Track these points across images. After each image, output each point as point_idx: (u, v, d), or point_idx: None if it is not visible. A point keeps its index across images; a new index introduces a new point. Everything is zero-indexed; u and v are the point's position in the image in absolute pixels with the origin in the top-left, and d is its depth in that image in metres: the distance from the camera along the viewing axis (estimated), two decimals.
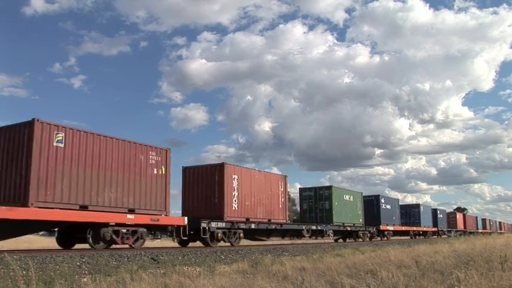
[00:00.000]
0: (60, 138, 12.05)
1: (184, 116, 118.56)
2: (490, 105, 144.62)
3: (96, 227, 12.66)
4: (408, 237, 35.31)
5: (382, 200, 31.33)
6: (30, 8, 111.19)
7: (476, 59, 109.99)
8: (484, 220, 68.26)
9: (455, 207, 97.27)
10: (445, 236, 42.76)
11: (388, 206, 32.19)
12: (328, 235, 24.38)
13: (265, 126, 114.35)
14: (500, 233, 65.58)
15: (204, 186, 17.97)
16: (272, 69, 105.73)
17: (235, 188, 18.17)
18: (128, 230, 13.74)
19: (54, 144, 11.86)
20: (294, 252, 15.39)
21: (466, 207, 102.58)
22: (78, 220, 12.16)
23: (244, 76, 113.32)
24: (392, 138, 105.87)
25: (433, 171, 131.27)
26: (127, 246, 13.81)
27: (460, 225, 51.26)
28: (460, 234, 44.89)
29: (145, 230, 14.41)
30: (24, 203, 11.05)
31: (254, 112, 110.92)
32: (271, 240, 21.10)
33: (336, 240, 26.92)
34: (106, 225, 12.85)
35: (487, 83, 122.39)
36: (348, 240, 27.67)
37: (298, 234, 22.26)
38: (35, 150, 11.37)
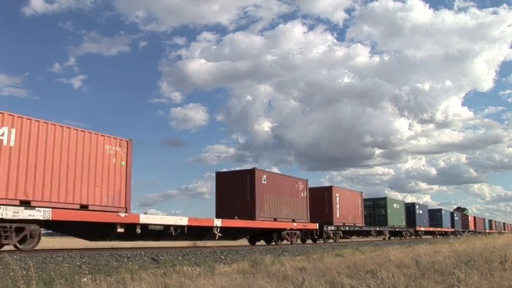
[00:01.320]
0: (265, 178, 20.52)
1: (184, 116, 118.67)
2: (490, 105, 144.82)
3: (278, 231, 21.15)
4: (431, 237, 42.83)
5: (417, 207, 39.72)
6: (29, 8, 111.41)
7: (476, 59, 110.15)
8: (490, 221, 76.57)
9: (455, 207, 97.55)
10: (459, 235, 48.75)
11: (421, 211, 40.47)
12: (385, 234, 33.42)
13: (265, 126, 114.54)
14: (502, 232, 71.36)
15: (319, 203, 25.81)
16: (272, 69, 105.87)
17: (338, 203, 26.91)
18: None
19: (262, 182, 20.18)
20: (294, 252, 15.38)
21: (466, 207, 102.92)
22: (271, 227, 20.64)
23: (244, 76, 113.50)
24: (392, 138, 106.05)
25: (433, 171, 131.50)
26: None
27: (472, 226, 59.19)
28: (472, 234, 52.59)
29: None
30: (252, 217, 19.24)
31: (254, 112, 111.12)
32: (351, 238, 30.48)
33: (389, 238, 34.54)
34: (284, 229, 21.38)
35: (487, 83, 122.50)
36: (393, 238, 35.27)
37: (368, 234, 31.38)
38: (256, 185, 19.69)
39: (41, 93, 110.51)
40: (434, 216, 44.88)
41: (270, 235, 20.95)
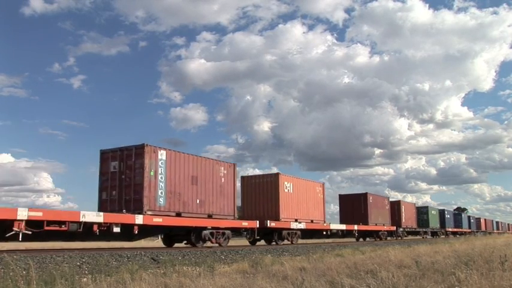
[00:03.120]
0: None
1: (184, 116, 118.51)
2: (490, 105, 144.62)
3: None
4: (456, 236, 50.02)
5: (446, 212, 50.61)
6: (29, 8, 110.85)
7: (476, 59, 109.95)
8: (497, 222, 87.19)
9: (455, 207, 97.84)
10: (474, 235, 55.45)
11: (448, 216, 51.30)
12: (428, 234, 43.84)
13: (265, 126, 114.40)
14: (507, 232, 78.56)
15: (392, 211, 36.00)
16: (271, 69, 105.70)
17: (403, 212, 37.61)
18: None
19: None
20: (294, 252, 15.38)
21: (466, 207, 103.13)
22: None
23: (243, 76, 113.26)
24: (392, 138, 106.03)
25: (433, 171, 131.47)
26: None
27: (483, 227, 69.56)
28: (483, 234, 59.51)
29: None
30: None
31: (253, 112, 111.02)
32: (408, 236, 39.08)
33: (432, 237, 44.15)
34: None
35: (486, 83, 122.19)
36: (428, 237, 43.42)
37: (418, 233, 41.92)
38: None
39: (40, 93, 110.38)
40: (456, 219, 55.48)
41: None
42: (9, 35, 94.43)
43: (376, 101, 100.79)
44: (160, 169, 15.34)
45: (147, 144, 15.00)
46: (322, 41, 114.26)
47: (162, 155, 15.54)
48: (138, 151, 15.07)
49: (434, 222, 45.39)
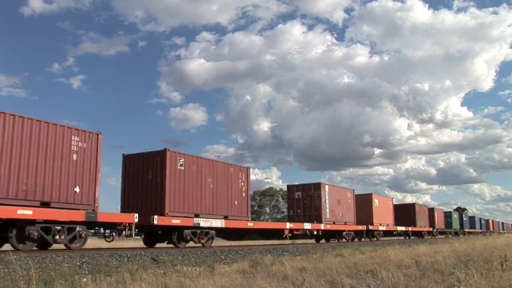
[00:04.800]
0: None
1: (184, 116, 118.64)
2: (490, 105, 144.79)
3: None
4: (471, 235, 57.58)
5: (464, 215, 63.27)
6: (28, 8, 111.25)
7: (475, 59, 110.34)
8: (503, 223, 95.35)
9: (455, 207, 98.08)
10: (485, 235, 62.63)
11: (465, 219, 62.03)
12: (452, 234, 51.31)
13: (264, 126, 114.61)
14: (510, 232, 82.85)
15: (425, 216, 44.52)
16: (271, 69, 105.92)
17: (436, 216, 47.14)
18: None
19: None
20: (294, 252, 15.39)
21: (466, 207, 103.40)
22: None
23: (243, 76, 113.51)
24: (392, 138, 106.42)
25: (433, 171, 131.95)
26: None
27: (491, 227, 77.93)
28: (491, 233, 65.66)
29: None
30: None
31: (253, 112, 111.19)
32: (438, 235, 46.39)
33: (454, 236, 49.70)
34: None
35: (486, 83, 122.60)
36: (451, 236, 49.79)
37: (445, 233, 50.15)
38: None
39: (40, 93, 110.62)
40: (471, 221, 64.61)
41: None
42: (9, 35, 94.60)
43: (375, 101, 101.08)
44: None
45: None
46: (322, 41, 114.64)
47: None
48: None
49: (455, 224, 54.98)
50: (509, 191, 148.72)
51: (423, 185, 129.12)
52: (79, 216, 12.67)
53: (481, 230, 65.25)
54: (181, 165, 16.25)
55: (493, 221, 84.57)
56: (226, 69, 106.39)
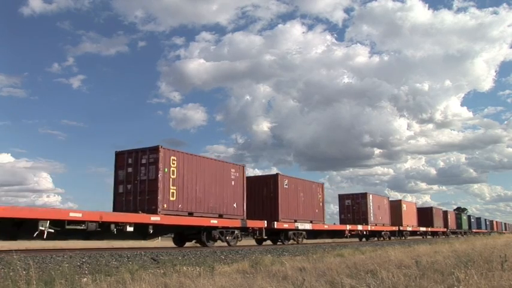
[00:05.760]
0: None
1: (183, 116, 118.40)
2: (490, 105, 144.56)
3: None
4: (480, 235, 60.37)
5: (471, 217, 67.44)
6: (28, 8, 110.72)
7: (475, 59, 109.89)
8: (505, 224, 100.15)
9: (455, 207, 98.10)
10: (489, 234, 65.39)
11: (473, 220, 66.60)
12: (462, 233, 55.77)
13: (264, 126, 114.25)
14: (501, 233, 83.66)
15: (441, 217, 50.12)
16: (271, 69, 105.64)
17: (449, 218, 52.34)
18: None
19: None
20: (294, 252, 15.38)
21: (466, 207, 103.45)
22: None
23: (242, 76, 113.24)
24: (391, 138, 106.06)
25: (433, 171, 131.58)
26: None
27: (495, 228, 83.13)
28: (496, 233, 71.30)
29: None
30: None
31: (253, 112, 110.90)
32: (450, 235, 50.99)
33: (463, 235, 52.32)
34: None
35: (486, 83, 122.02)
36: (460, 235, 52.76)
37: (456, 233, 53.84)
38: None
39: (40, 93, 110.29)
40: (478, 222, 69.52)
41: None
42: (8, 35, 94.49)
43: (375, 101, 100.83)
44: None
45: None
46: (322, 41, 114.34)
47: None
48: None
49: (465, 225, 60.36)
50: (509, 191, 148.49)
51: (423, 185, 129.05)
52: (237, 223, 18.60)
53: (486, 230, 70.75)
54: (286, 184, 22.54)
55: (496, 221, 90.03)
56: (226, 69, 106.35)
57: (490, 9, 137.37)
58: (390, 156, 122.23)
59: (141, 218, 14.37)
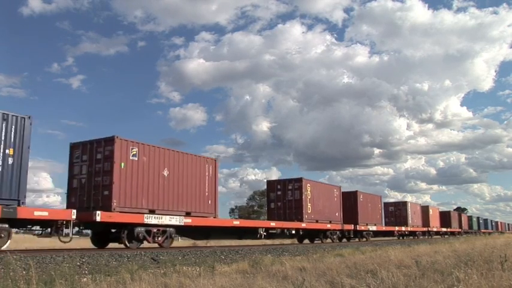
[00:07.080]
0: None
1: (183, 116, 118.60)
2: (489, 105, 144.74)
3: None
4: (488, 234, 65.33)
5: (480, 218, 73.12)
6: (27, 8, 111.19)
7: (475, 59, 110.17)
8: (508, 224, 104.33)
9: (455, 207, 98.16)
10: (496, 234, 72.18)
11: (481, 221, 72.61)
12: (473, 233, 59.45)
13: (264, 126, 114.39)
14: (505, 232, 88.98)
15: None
16: (270, 69, 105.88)
17: (463, 221, 61.41)
18: None
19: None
20: (294, 252, 15.38)
21: (466, 207, 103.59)
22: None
23: (242, 76, 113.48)
24: (391, 138, 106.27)
25: (433, 171, 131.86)
26: None
27: (500, 228, 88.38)
28: (499, 233, 77.34)
29: None
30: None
31: (252, 112, 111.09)
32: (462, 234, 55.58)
33: (474, 235, 55.62)
34: None
35: (486, 83, 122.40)
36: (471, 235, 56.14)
37: (468, 233, 58.35)
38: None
39: (40, 93, 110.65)
40: (486, 223, 76.22)
41: None
42: (8, 35, 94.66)
43: (375, 100, 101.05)
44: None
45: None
46: (321, 41, 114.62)
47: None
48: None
49: (475, 226, 66.94)
50: (509, 191, 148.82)
51: (423, 185, 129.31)
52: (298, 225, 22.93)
53: (492, 230, 77.58)
54: (361, 198, 29.72)
55: (501, 222, 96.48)
56: (225, 69, 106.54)
57: (490, 9, 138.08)
58: (390, 156, 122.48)
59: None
